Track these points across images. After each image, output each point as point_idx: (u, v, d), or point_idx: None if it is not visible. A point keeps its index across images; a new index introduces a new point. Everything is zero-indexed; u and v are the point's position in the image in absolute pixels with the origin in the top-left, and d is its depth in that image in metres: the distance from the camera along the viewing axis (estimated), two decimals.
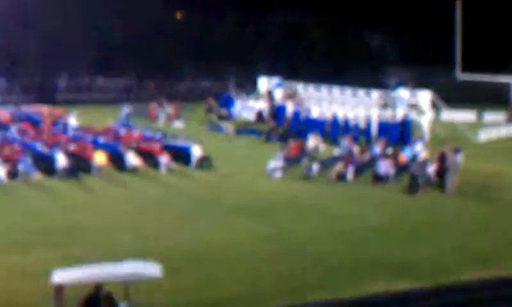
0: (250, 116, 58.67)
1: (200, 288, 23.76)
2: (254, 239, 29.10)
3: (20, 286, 23.51)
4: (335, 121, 51.38)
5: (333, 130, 50.46)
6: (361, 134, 49.90)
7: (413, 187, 36.61)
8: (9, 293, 22.94)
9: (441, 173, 36.68)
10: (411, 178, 37.22)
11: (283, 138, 49.46)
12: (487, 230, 30.96)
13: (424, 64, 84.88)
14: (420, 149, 43.19)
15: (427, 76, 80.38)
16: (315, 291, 23.66)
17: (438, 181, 36.80)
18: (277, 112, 56.21)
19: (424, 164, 38.25)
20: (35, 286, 23.43)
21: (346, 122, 51.39)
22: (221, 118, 58.16)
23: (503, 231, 30.75)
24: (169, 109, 60.15)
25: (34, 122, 50.61)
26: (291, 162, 41.76)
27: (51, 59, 73.54)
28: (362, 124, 51.27)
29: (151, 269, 19.13)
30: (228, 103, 60.81)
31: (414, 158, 41.39)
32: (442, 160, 36.86)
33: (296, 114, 54.28)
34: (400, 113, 51.21)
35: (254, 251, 27.58)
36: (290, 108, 55.62)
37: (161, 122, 57.49)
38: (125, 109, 59.37)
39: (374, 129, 50.73)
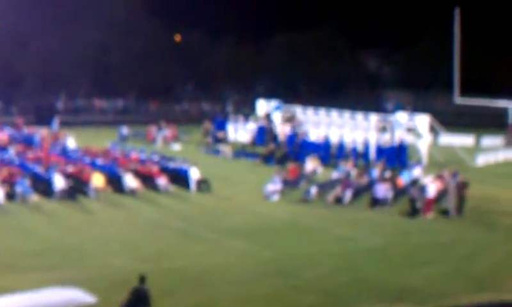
0: (244, 138, 58.55)
1: None
2: (251, 262, 29.03)
3: None
4: (340, 145, 51.41)
5: (326, 153, 50.21)
6: (359, 158, 49.87)
7: (412, 211, 36.60)
8: None
9: (460, 198, 36.76)
10: (409, 202, 37.21)
11: (281, 161, 49.50)
12: (484, 254, 30.97)
13: (422, 88, 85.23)
14: (418, 173, 43.18)
15: (425, 100, 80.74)
16: None
17: (456, 206, 36.75)
18: (276, 135, 56.24)
19: (423, 188, 38.19)
20: None
21: (342, 145, 51.40)
22: (218, 140, 58.14)
23: (500, 255, 30.72)
24: (167, 131, 60.17)
25: (32, 144, 50.56)
26: (289, 185, 41.74)
27: (49, 81, 73.75)
28: (360, 147, 51.27)
29: (83, 296, 18.77)
30: (223, 126, 60.81)
31: (413, 182, 41.33)
32: (460, 187, 37.00)
33: (292, 137, 54.35)
34: (397, 137, 51.22)
35: (251, 273, 27.50)
36: (286, 131, 55.75)
37: (159, 144, 57.47)
38: (123, 130, 59.45)
39: (372, 153, 50.75)
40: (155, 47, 79.22)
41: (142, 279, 20.62)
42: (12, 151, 46.52)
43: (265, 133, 57.60)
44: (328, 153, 50.59)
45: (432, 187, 36.95)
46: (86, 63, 74.73)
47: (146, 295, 20.20)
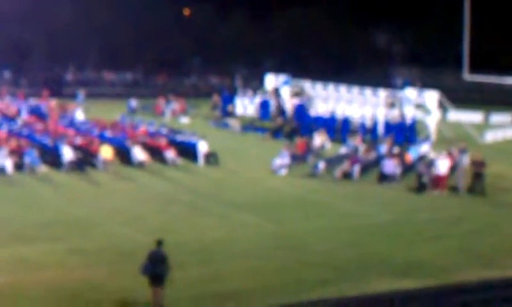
0: (253, 112, 58.54)
1: (204, 282, 23.82)
2: (259, 235, 29.19)
3: (24, 278, 23.57)
4: (345, 120, 51.37)
5: (332, 128, 50.18)
6: (367, 133, 49.82)
7: (419, 186, 36.64)
8: (13, 285, 22.99)
9: (477, 177, 36.57)
10: (417, 177, 37.25)
11: (290, 135, 49.51)
12: (491, 231, 31.01)
13: (432, 64, 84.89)
14: (426, 149, 43.17)
15: (435, 76, 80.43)
16: (319, 288, 23.69)
17: (474, 186, 36.49)
18: (284, 109, 56.35)
19: (431, 164, 38.20)
20: (39, 278, 23.56)
21: (347, 121, 51.32)
22: (226, 114, 58.15)
23: (507, 232, 30.77)
24: (175, 104, 60.18)
25: (41, 115, 50.68)
26: (297, 159, 41.79)
27: (58, 53, 73.72)
28: (368, 123, 51.23)
29: None
30: (231, 99, 60.78)
31: (420, 158, 41.32)
32: (475, 165, 36.93)
33: (299, 110, 54.35)
34: (405, 113, 51.17)
35: (258, 247, 27.65)
36: (293, 104, 55.81)
37: (167, 117, 57.51)
38: (132, 103, 59.51)
39: (381, 128, 50.73)
40: (164, 20, 79.03)
41: (159, 243, 21.54)
42: (21, 122, 46.64)
43: (269, 108, 57.78)
44: (334, 127, 50.50)
45: (444, 164, 36.86)
46: (95, 36, 74.59)
47: (164, 257, 21.28)
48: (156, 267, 21.31)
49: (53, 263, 24.93)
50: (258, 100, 59.05)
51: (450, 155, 38.80)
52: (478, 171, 36.48)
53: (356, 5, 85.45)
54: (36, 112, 51.63)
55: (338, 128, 50.82)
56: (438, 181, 36.67)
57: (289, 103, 56.90)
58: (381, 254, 27.36)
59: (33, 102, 55.71)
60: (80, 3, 72.95)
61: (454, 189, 36.83)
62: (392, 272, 25.30)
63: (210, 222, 30.75)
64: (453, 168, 37.90)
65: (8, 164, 36.94)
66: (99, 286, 23.15)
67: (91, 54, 77.19)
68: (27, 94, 59.17)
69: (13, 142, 39.39)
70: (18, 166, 37.40)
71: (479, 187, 36.23)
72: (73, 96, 60.94)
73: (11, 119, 48.13)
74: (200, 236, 28.59)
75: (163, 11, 79.68)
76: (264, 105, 58.39)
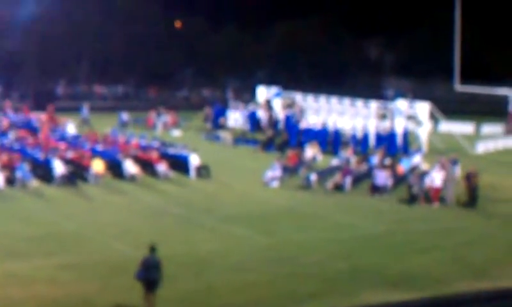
0: (244, 124, 58.63)
1: (197, 296, 23.77)
2: (251, 248, 29.16)
3: (15, 293, 23.47)
4: (337, 132, 51.38)
5: (323, 140, 50.13)
6: (358, 145, 49.84)
7: (412, 198, 36.65)
8: (4, 300, 22.90)
9: (470, 191, 36.38)
10: (408, 188, 37.27)
11: (281, 148, 49.53)
12: (484, 242, 31.03)
13: (423, 75, 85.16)
14: (418, 161, 43.22)
15: (426, 87, 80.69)
16: (311, 301, 23.68)
17: (467, 201, 36.33)
18: (276, 121, 56.46)
19: (422, 175, 38.23)
20: (30, 293, 23.47)
21: (338, 132, 51.33)
22: (218, 127, 58.14)
23: (500, 243, 30.80)
24: (167, 117, 60.14)
25: (32, 129, 50.56)
26: (288, 171, 41.79)
27: (49, 66, 73.64)
28: (360, 134, 51.25)
29: None
30: (223, 112, 60.88)
31: (412, 169, 41.35)
32: (468, 179, 36.61)
33: (290, 121, 54.41)
34: (397, 124, 51.26)
35: (251, 259, 27.61)
36: (286, 116, 55.94)
37: (159, 130, 57.46)
38: (123, 116, 59.42)
39: (372, 140, 50.80)
40: (155, 33, 79.08)
41: (152, 249, 22.00)
42: (12, 136, 46.53)
43: (256, 120, 58.08)
44: (325, 139, 50.52)
45: (438, 176, 36.82)
46: (86, 49, 74.63)
47: (157, 263, 21.75)
48: (149, 273, 21.75)
49: (44, 278, 24.84)
50: (245, 112, 59.20)
51: (443, 166, 38.70)
52: (472, 185, 36.31)
53: (348, 17, 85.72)
54: (27, 126, 51.49)
55: (330, 140, 50.84)
56: (433, 193, 36.60)
57: (281, 115, 56.97)
58: (373, 265, 27.35)
59: (24, 115, 55.56)
60: (71, 16, 72.93)
61: (442, 200, 36.82)
62: (384, 284, 25.29)
63: (202, 235, 30.71)
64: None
65: None
66: (91, 300, 23.09)
67: (82, 67, 77.17)
68: (17, 108, 58.97)
69: (4, 157, 39.28)
70: (10, 181, 37.28)
71: (473, 201, 36.08)
72: (65, 110, 60.66)
73: (2, 133, 47.98)
74: (192, 249, 28.55)
75: (155, 24, 79.70)
76: (252, 117, 58.64)
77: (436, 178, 36.72)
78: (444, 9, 71.63)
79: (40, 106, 59.49)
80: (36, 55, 71.80)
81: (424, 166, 41.39)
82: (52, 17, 71.24)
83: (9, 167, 37.95)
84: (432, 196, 36.54)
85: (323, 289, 24.76)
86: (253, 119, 58.57)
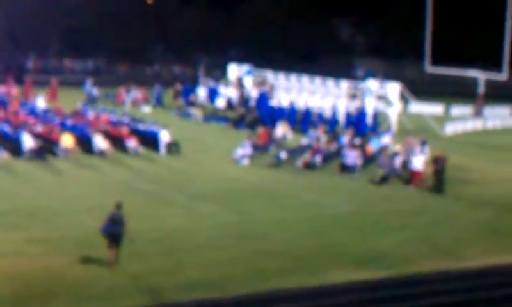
0: (220, 102, 58.65)
1: (165, 272, 23.78)
2: (220, 225, 29.21)
3: None
4: (306, 111, 51.48)
5: (292, 119, 50.23)
6: (328, 124, 49.93)
7: (381, 178, 36.87)
8: None
9: (438, 175, 36.25)
10: (378, 169, 37.48)
11: (252, 126, 49.57)
12: (451, 222, 31.30)
13: (394, 56, 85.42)
14: (387, 141, 43.44)
15: (396, 68, 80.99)
16: (279, 278, 23.77)
17: (435, 185, 36.14)
18: (247, 99, 56.55)
19: (392, 156, 38.47)
20: None
21: (308, 111, 51.42)
22: (188, 104, 58.04)
23: (465, 224, 31.10)
24: (137, 93, 59.89)
25: (1, 103, 50.15)
26: (259, 149, 41.86)
27: (19, 40, 73.00)
28: (330, 114, 51.38)
29: None
30: (193, 89, 60.85)
31: (382, 149, 41.54)
32: (437, 162, 36.45)
33: (261, 99, 54.48)
34: (368, 104, 51.48)
35: (220, 237, 27.66)
36: (257, 94, 56.05)
37: (128, 106, 57.16)
38: (90, 89, 58.94)
39: (342, 119, 50.98)
40: (126, 8, 78.58)
41: (118, 206, 23.88)
42: None
43: (216, 95, 58.97)
44: (295, 118, 50.61)
45: (419, 160, 36.88)
46: (56, 23, 74.01)
47: (121, 219, 23.58)
48: (114, 228, 23.48)
49: (11, 252, 24.74)
50: (223, 90, 59.21)
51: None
52: (439, 169, 36.35)
53: None
54: None
55: (299, 119, 50.93)
56: (413, 176, 36.72)
57: (252, 93, 57.00)
58: (341, 244, 27.54)
59: None
60: None
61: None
62: (352, 263, 25.48)
63: (172, 211, 30.72)
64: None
65: None
66: (59, 274, 23.04)
67: (52, 41, 76.54)
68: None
69: None
70: None
71: (439, 185, 36.22)
72: (34, 84, 60.13)
73: None
74: (161, 226, 28.56)
75: None
76: (212, 93, 59.38)
77: (416, 161, 36.79)
78: None
79: (11, 80, 58.98)
80: (5, 28, 71.08)
81: (394, 147, 41.60)
82: None
83: None
84: (413, 180, 36.57)
85: (291, 267, 24.87)
86: (213, 94, 59.01)
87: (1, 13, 69.88)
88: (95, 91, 59.33)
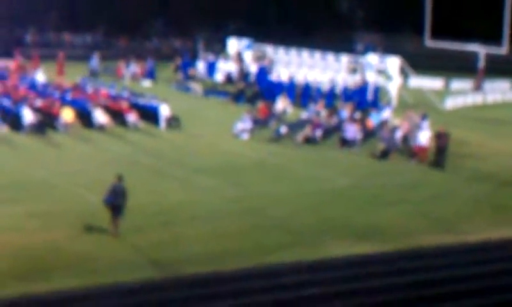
0: (219, 77, 58.57)
1: (164, 246, 23.90)
2: (219, 199, 29.28)
3: None
4: (304, 85, 51.39)
5: (291, 93, 50.16)
6: (328, 98, 49.82)
7: (382, 152, 36.88)
8: None
9: (440, 151, 36.17)
10: (378, 143, 37.50)
11: (252, 100, 49.50)
12: (451, 196, 31.42)
13: (393, 30, 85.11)
14: (387, 115, 43.41)
15: (396, 42, 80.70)
16: (278, 252, 23.90)
17: (437, 160, 36.04)
18: (246, 73, 56.49)
19: (392, 130, 38.48)
20: None
21: (308, 86, 51.34)
22: (188, 78, 57.91)
23: (465, 198, 31.19)
24: (136, 67, 59.73)
25: (1, 77, 50.05)
26: (259, 124, 41.83)
27: (17, 13, 72.66)
28: (327, 87, 51.25)
29: None
30: (193, 63, 60.75)
31: (382, 123, 41.55)
32: (439, 138, 36.33)
33: (262, 74, 54.40)
34: (368, 78, 51.40)
35: (219, 211, 27.75)
36: (257, 69, 55.95)
37: (127, 80, 56.99)
38: (94, 63, 58.90)
39: (342, 93, 50.90)
40: None
41: (120, 178, 24.61)
42: None
43: (214, 69, 58.89)
44: (293, 93, 50.50)
45: (424, 135, 36.84)
46: None
47: (123, 191, 24.31)
48: (116, 199, 24.17)
49: (12, 226, 24.81)
50: (222, 64, 59.09)
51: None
52: (442, 145, 36.23)
53: None
54: None
55: (299, 93, 50.83)
56: (418, 151, 36.68)
57: (251, 67, 56.90)
58: (341, 218, 27.62)
59: None
60: None
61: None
62: (351, 237, 25.58)
63: (171, 185, 30.78)
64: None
65: None
66: (59, 248, 23.14)
67: (51, 15, 76.22)
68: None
69: None
70: None
71: (441, 160, 36.18)
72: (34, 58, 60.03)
73: None
74: (160, 200, 28.62)
75: None
76: (210, 67, 59.31)
77: (421, 136, 36.76)
78: None
79: (8, 54, 58.83)
80: (3, 2, 70.77)
81: (394, 121, 41.60)
82: None
83: None
84: (419, 155, 36.52)
85: (290, 241, 24.98)
86: (211, 68, 59.02)
87: None
88: (96, 63, 59.18)
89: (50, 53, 62.07)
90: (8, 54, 58.67)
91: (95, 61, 59.15)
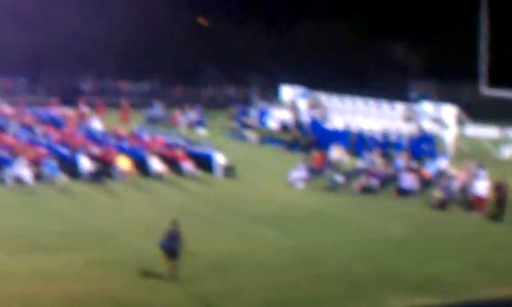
0: (273, 125, 58.72)
1: (220, 295, 23.85)
2: (275, 249, 29.18)
3: (43, 289, 23.61)
4: (358, 133, 51.25)
5: (357, 142, 50.16)
6: (384, 147, 49.59)
7: (439, 202, 36.46)
8: (32, 296, 23.03)
9: (500, 203, 35.46)
10: (438, 193, 37.06)
11: (307, 148, 49.44)
12: (508, 248, 30.81)
13: (449, 78, 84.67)
14: (444, 165, 43.01)
15: (452, 90, 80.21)
16: (334, 304, 23.66)
17: (496, 212, 35.43)
18: (302, 122, 56.51)
19: (450, 179, 38.07)
20: (57, 289, 23.60)
21: (363, 134, 51.18)
22: (243, 125, 58.16)
23: None
24: (192, 115, 60.18)
25: (58, 124, 50.79)
26: (314, 172, 41.73)
27: (76, 61, 73.92)
28: (385, 137, 50.99)
29: None
30: (248, 111, 61.13)
31: (438, 173, 41.16)
32: (499, 189, 35.66)
33: (315, 123, 54.39)
34: (423, 127, 51.07)
35: (274, 260, 27.66)
36: (310, 118, 55.97)
37: (183, 128, 57.44)
38: (153, 110, 59.77)
39: (398, 142, 50.57)
40: (180, 29, 79.19)
41: (175, 222, 25.03)
42: (39, 131, 46.78)
43: (266, 117, 59.07)
44: (347, 141, 50.36)
45: (482, 185, 36.42)
46: (112, 45, 74.84)
47: (179, 235, 24.77)
48: (172, 243, 24.64)
49: (72, 274, 24.99)
50: (277, 112, 59.30)
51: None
52: (501, 196, 35.49)
53: (374, 17, 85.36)
54: (54, 122, 51.74)
55: (354, 142, 50.64)
56: (476, 202, 36.15)
57: (306, 115, 56.92)
58: (398, 269, 27.30)
59: (51, 110, 55.85)
60: (98, 11, 73.22)
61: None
62: (410, 289, 25.23)
63: (227, 234, 30.78)
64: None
65: (27, 173, 37.06)
66: (119, 298, 23.20)
67: (109, 63, 77.38)
68: (44, 103, 59.32)
69: (32, 152, 39.52)
70: (37, 176, 37.50)
71: (500, 212, 35.42)
72: (91, 106, 60.83)
73: (29, 128, 48.23)
74: (217, 249, 28.60)
75: (180, 21, 79.76)
76: (262, 115, 59.43)
77: (479, 186, 36.31)
78: (471, 11, 71.21)
79: (66, 101, 59.78)
80: (62, 50, 72.06)
81: (451, 170, 41.18)
82: (80, 11, 71.62)
83: (37, 163, 38.18)
84: (477, 205, 36.00)
85: (347, 292, 24.74)
86: (263, 116, 59.21)
87: (58, 34, 70.86)
88: (157, 110, 60.21)
89: (107, 101, 62.89)
90: (65, 102, 59.55)
91: (157, 109, 60.01)
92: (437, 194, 37.00)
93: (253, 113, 60.74)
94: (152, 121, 58.35)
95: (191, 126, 58.41)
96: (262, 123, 58.83)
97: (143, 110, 60.76)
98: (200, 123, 59.15)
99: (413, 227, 33.23)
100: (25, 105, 56.91)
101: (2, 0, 67.82)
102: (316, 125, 54.25)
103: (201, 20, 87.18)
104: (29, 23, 69.45)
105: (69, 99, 61.81)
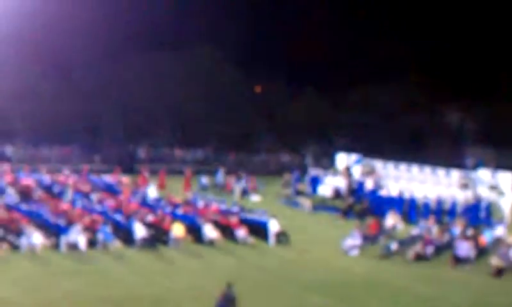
0: (325, 191, 58.54)
1: None
2: None
3: None
4: (412, 200, 50.86)
5: (410, 209, 49.86)
6: (440, 214, 49.13)
7: (497, 270, 35.81)
8: None
9: None
10: (493, 261, 36.45)
11: (361, 215, 49.15)
12: None
13: (505, 144, 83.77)
14: (501, 232, 42.37)
15: (509, 157, 79.24)
16: None
17: None
18: (356, 189, 56.24)
19: (508, 247, 37.41)
20: None
21: (414, 201, 50.80)
22: (297, 193, 58.07)
23: None
24: (246, 182, 60.32)
25: (114, 191, 51.29)
26: (368, 240, 41.36)
27: (131, 129, 74.87)
28: (440, 204, 50.53)
29: None
30: (302, 178, 61.08)
31: (495, 240, 40.54)
32: None
33: (374, 192, 54.11)
34: (479, 194, 50.51)
35: None
36: (368, 185, 55.66)
37: (237, 195, 57.57)
38: (203, 180, 59.98)
39: (454, 209, 50.06)
40: (235, 97, 79.83)
41: (230, 285, 25.99)
42: (94, 199, 47.27)
43: (318, 184, 58.75)
44: (402, 208, 49.97)
45: None
46: (167, 113, 75.71)
47: (234, 298, 25.54)
48: (227, 306, 25.50)
49: None
50: (331, 179, 59.12)
51: None
52: None
53: (427, 83, 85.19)
54: (109, 189, 52.27)
55: (407, 209, 50.22)
56: None
57: (366, 183, 56.60)
58: None
59: (106, 178, 56.49)
60: (153, 80, 74.32)
61: None
62: None
63: (281, 302, 30.52)
64: None
65: (82, 240, 37.31)
66: None
67: (163, 131, 78.21)
68: (100, 171, 60.04)
69: (87, 219, 39.86)
70: (92, 242, 37.75)
71: None
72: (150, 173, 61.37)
73: (85, 195, 48.77)
74: None
75: (234, 89, 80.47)
76: (314, 181, 59.03)
77: None
78: None
79: (123, 169, 60.41)
80: (118, 119, 73.08)
81: (508, 238, 40.52)
82: (134, 79, 72.77)
83: (92, 229, 38.47)
84: None
85: None
86: (315, 183, 58.87)
87: (114, 103, 71.99)
88: (205, 180, 60.38)
89: (161, 168, 63.37)
90: (122, 170, 60.17)
91: (220, 176, 60.51)
92: (495, 261, 36.41)
93: (306, 180, 60.69)
94: (204, 189, 58.63)
95: (245, 193, 58.52)
96: (314, 191, 58.66)
97: (197, 177, 61.03)
98: (253, 190, 59.23)
99: (471, 295, 32.62)
100: (83, 173, 57.61)
101: (63, 71, 69.57)
102: (371, 192, 53.99)
103: (257, 89, 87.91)
104: (85, 93, 70.78)
105: (125, 167, 62.48)
